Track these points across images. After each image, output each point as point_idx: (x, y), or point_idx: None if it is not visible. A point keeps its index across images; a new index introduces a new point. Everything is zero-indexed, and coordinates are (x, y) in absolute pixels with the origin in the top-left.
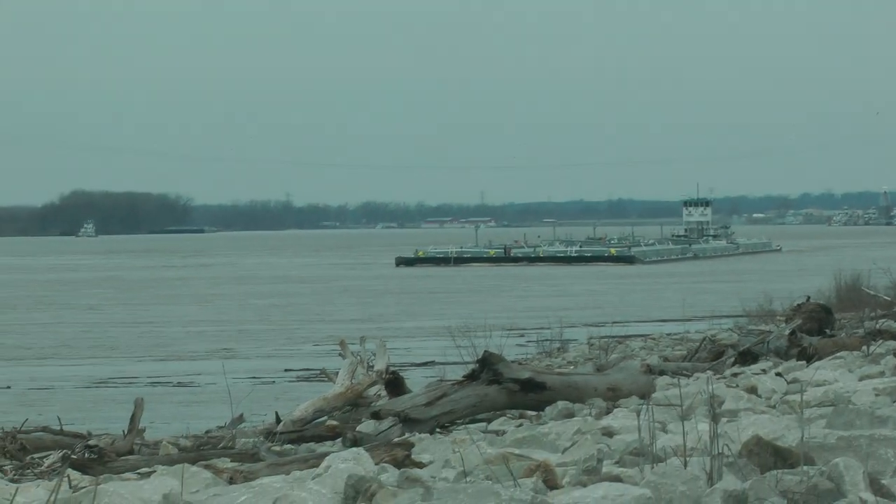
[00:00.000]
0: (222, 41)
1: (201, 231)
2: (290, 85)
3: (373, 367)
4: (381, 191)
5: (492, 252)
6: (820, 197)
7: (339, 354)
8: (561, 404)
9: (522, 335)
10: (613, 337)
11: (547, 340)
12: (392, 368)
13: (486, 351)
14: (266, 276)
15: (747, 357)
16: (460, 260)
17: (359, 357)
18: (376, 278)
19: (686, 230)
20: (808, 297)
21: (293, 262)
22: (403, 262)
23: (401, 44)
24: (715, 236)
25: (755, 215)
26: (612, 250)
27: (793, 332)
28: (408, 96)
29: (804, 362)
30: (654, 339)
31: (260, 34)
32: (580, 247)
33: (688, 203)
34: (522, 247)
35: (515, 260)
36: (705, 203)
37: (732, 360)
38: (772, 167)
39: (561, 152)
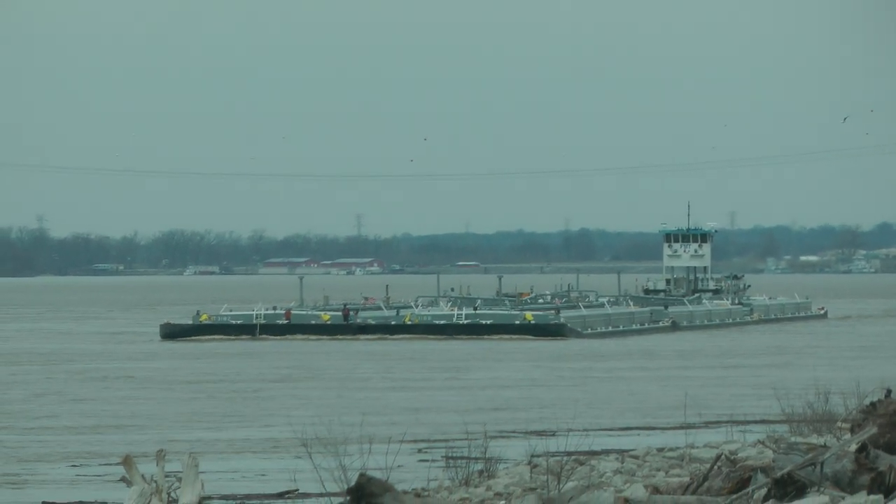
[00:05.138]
0: None
1: None
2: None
3: (176, 501)
4: (192, 215)
5: (325, 317)
6: None
7: (123, 479)
8: None
9: (420, 450)
10: (570, 453)
11: (463, 458)
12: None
13: (361, 474)
14: None
15: (788, 487)
16: (271, 329)
17: (154, 484)
18: (130, 359)
19: (668, 281)
20: (889, 392)
21: (8, 327)
22: (171, 332)
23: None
24: (716, 291)
25: (804, 258)
26: (528, 315)
27: (862, 448)
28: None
29: (881, 497)
30: (636, 456)
31: None
32: (476, 308)
33: (672, 236)
34: (380, 307)
35: (362, 330)
36: (701, 237)
37: (765, 492)
38: (832, 182)
39: (491, 155)
